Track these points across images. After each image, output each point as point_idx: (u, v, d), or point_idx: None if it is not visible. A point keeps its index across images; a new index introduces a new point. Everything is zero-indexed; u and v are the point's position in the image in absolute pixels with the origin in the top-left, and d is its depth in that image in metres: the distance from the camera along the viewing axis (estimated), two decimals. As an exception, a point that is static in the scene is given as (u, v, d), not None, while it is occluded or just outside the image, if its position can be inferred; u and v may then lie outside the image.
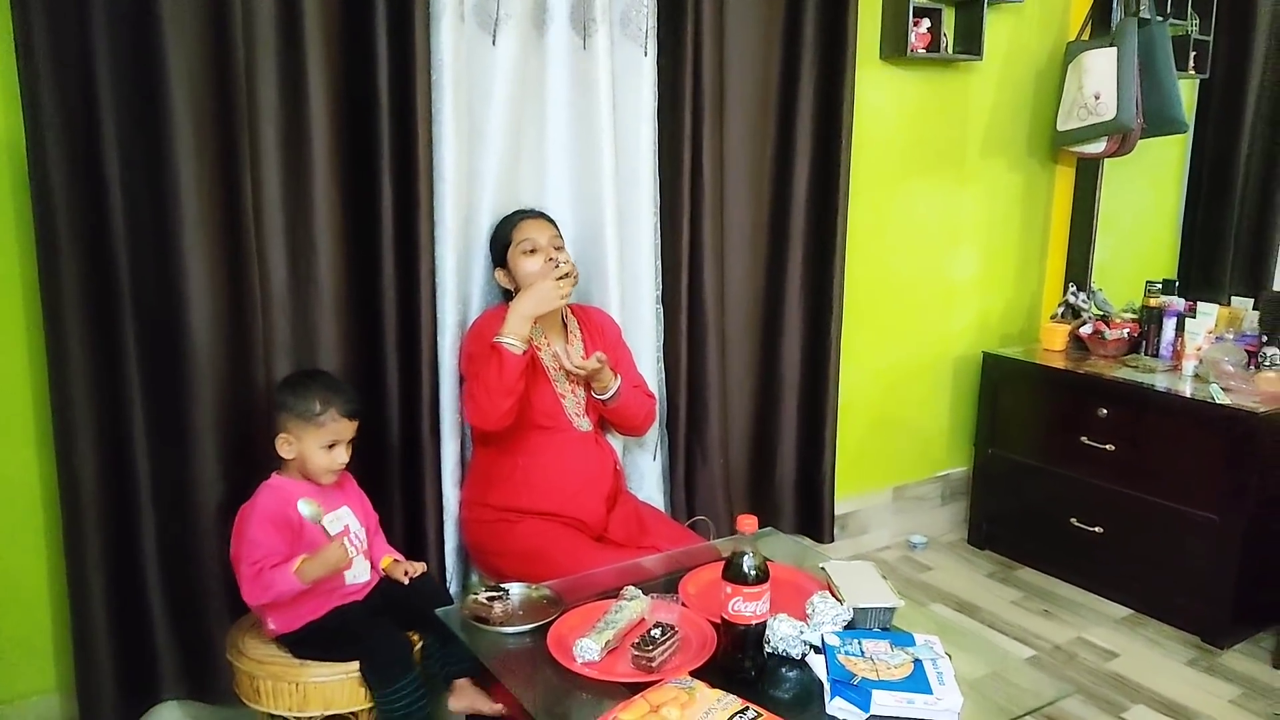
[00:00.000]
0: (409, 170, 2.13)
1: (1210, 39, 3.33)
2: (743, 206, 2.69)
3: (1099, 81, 3.07)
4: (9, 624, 2.04)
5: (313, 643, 1.87)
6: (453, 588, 2.32)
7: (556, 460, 2.19)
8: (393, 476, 2.23)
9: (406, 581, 1.97)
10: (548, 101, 2.33)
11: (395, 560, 2.02)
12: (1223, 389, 2.76)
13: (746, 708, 1.47)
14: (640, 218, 2.46)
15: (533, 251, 2.18)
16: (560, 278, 2.10)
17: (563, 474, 2.19)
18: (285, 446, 1.89)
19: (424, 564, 2.03)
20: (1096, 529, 3.00)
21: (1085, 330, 3.21)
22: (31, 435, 2.00)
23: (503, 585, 1.87)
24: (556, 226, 2.26)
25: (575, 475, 2.20)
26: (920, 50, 2.95)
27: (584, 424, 2.26)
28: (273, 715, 1.90)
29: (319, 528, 1.85)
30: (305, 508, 1.82)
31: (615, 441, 2.44)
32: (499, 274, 2.25)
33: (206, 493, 2.02)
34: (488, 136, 2.23)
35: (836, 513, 2.98)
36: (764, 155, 2.71)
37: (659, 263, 2.52)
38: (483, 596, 1.83)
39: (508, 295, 2.27)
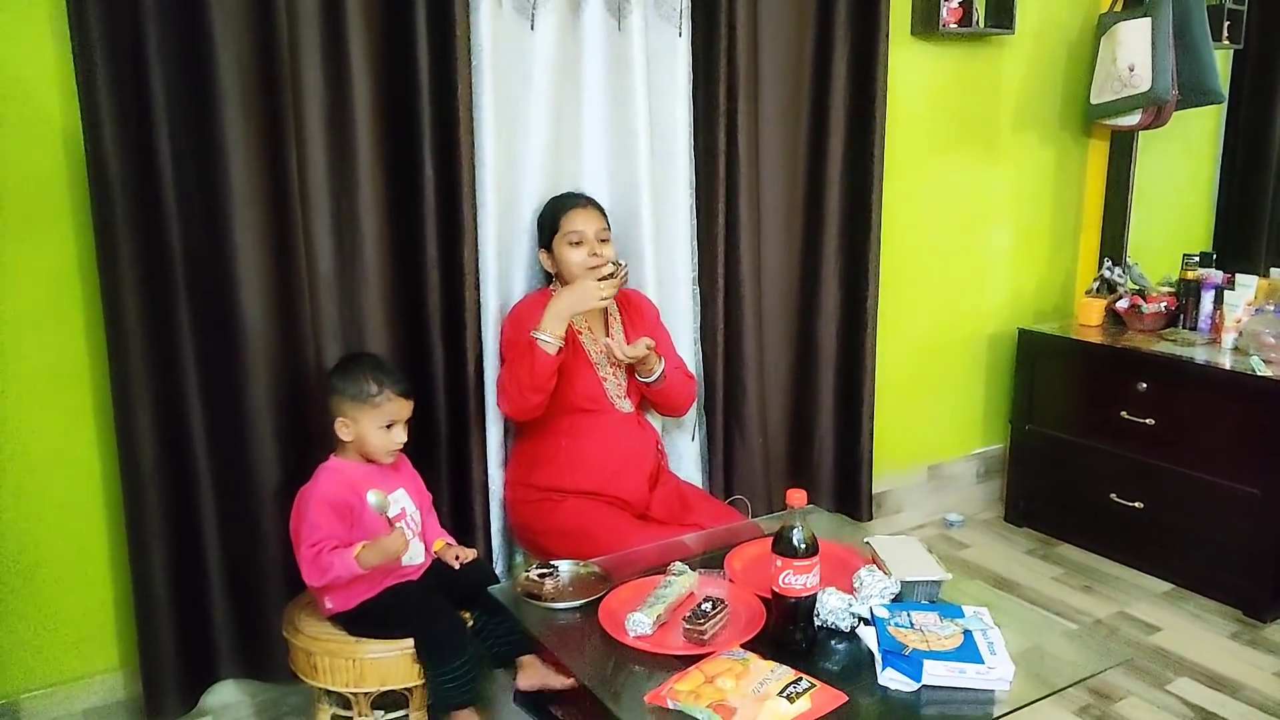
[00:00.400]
0: (451, 155, 2.15)
1: (1244, 8, 3.29)
2: (778, 185, 2.69)
3: (1133, 53, 3.04)
4: (73, 605, 2.09)
5: (368, 621, 1.91)
6: (498, 567, 2.36)
7: (600, 442, 2.21)
8: (439, 458, 2.26)
9: (457, 567, 2.00)
10: (584, 84, 2.34)
11: (448, 544, 2.05)
12: (1264, 361, 2.74)
13: (800, 678, 1.49)
14: (676, 198, 2.47)
15: (578, 244, 2.18)
16: (604, 278, 2.09)
17: (606, 454, 2.21)
18: (344, 429, 1.92)
19: (475, 550, 2.06)
20: (1137, 504, 2.98)
21: (1122, 304, 3.20)
22: (92, 418, 2.05)
23: (553, 562, 1.90)
24: (605, 215, 2.26)
25: (618, 455, 2.23)
26: (952, 25, 2.93)
27: (626, 405, 2.28)
28: (328, 691, 1.94)
29: (382, 516, 1.88)
30: (373, 498, 1.85)
31: (654, 422, 2.45)
32: (543, 256, 2.26)
33: (263, 473, 2.06)
34: (528, 120, 2.25)
35: (874, 491, 2.99)
36: (798, 133, 2.72)
37: (695, 243, 2.54)
38: (534, 573, 1.86)
39: (549, 278, 2.29)
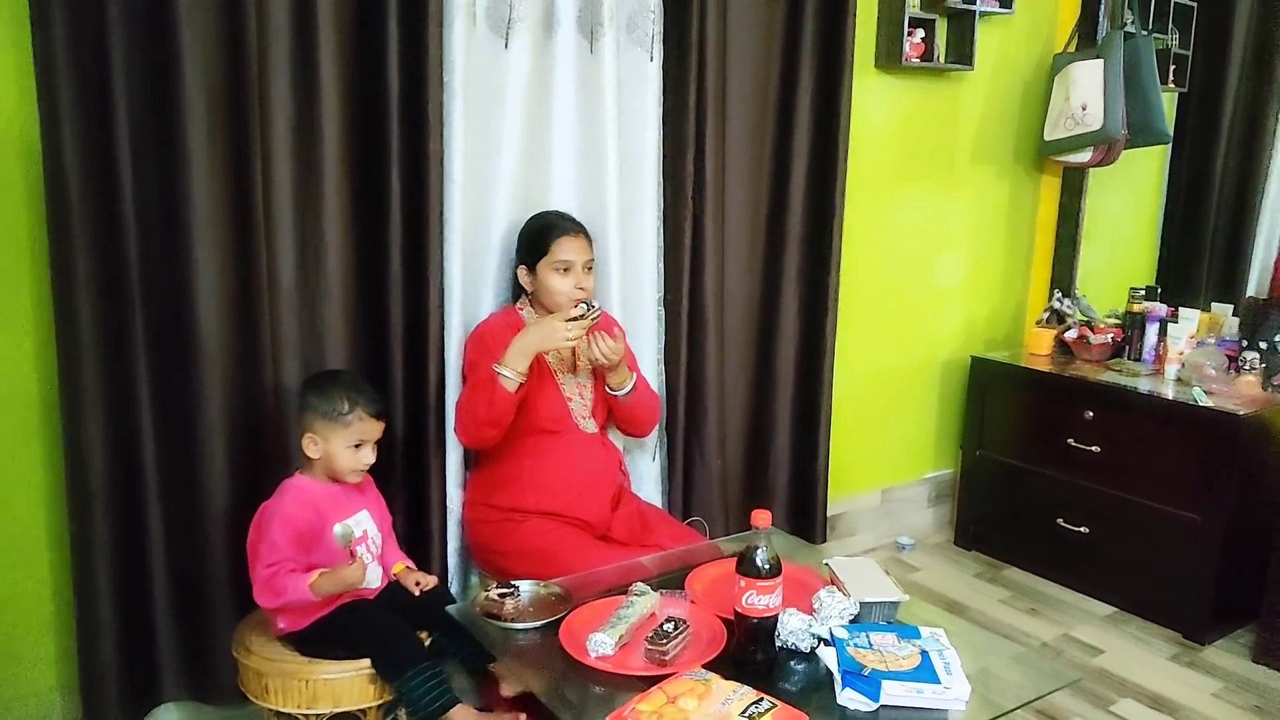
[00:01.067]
0: (419, 170, 2.14)
1: (1190, 53, 3.42)
2: (742, 209, 2.73)
3: (1086, 92, 3.14)
4: (11, 621, 2.02)
5: (322, 640, 1.88)
6: (453, 587, 2.33)
7: (563, 462, 2.20)
8: (397, 476, 2.24)
9: (417, 593, 1.97)
10: (555, 104, 2.35)
11: (408, 568, 2.03)
12: (1205, 392, 2.83)
13: (761, 698, 1.50)
14: (644, 220, 2.49)
15: (566, 271, 2.18)
16: (574, 318, 2.07)
17: (569, 475, 2.20)
18: (312, 446, 1.89)
19: (435, 577, 2.04)
20: (1082, 529, 3.06)
21: (1070, 335, 3.28)
22: (38, 430, 1.99)
23: (513, 582, 1.89)
24: (592, 244, 2.25)
25: (581, 476, 2.22)
26: (914, 60, 3.01)
27: (590, 426, 2.27)
28: (279, 713, 1.90)
29: (345, 548, 1.85)
30: (339, 529, 1.84)
31: (616, 442, 2.46)
32: (522, 272, 2.24)
33: (215, 490, 2.02)
34: (499, 137, 2.26)
35: (829, 514, 3.02)
36: (763, 159, 2.76)
37: (662, 264, 2.56)
38: (494, 593, 1.85)
39: (517, 295, 2.29)
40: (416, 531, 2.27)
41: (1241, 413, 2.70)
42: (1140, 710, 2.48)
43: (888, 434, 3.39)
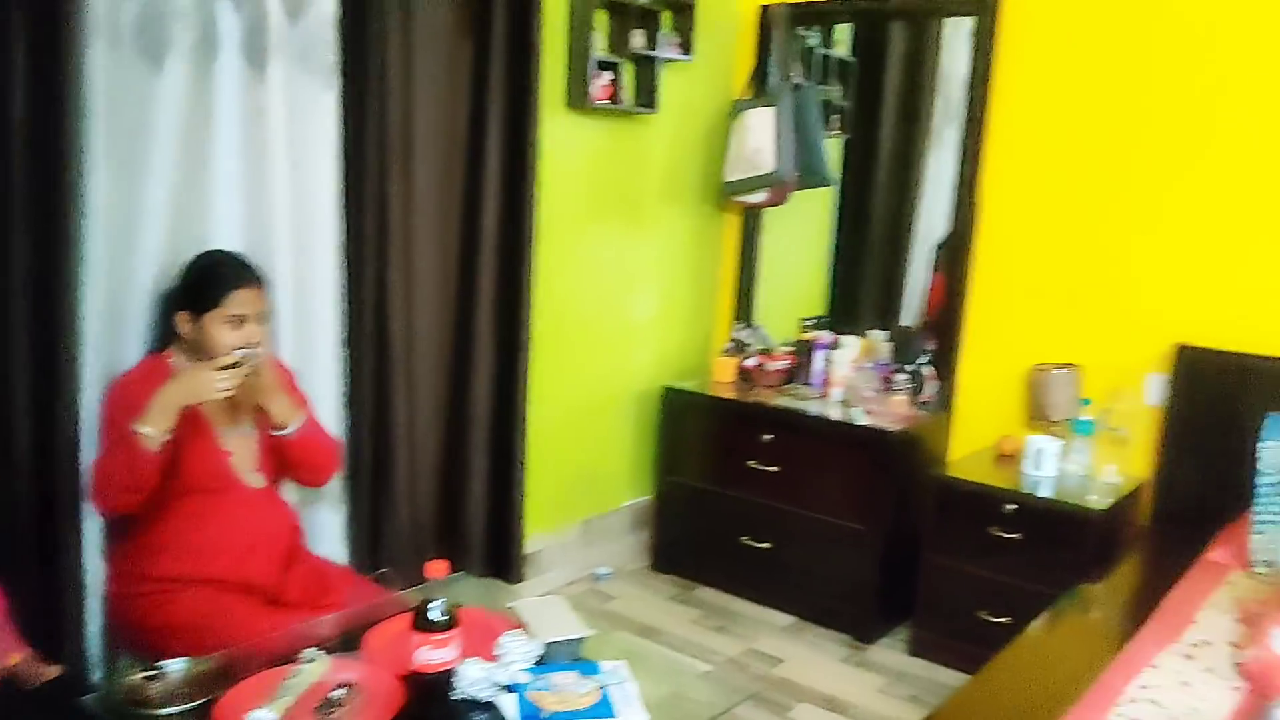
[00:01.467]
0: (51, 204, 1.90)
1: (849, 105, 3.79)
2: (432, 246, 2.68)
3: (759, 137, 3.39)
4: None
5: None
6: (97, 675, 2.08)
7: (225, 523, 2.03)
8: (24, 551, 1.96)
9: (31, 686, 1.70)
10: (218, 136, 2.18)
11: (23, 660, 1.73)
12: (865, 412, 3.14)
13: (433, 760, 1.46)
14: (320, 257, 2.38)
15: (239, 324, 1.99)
16: (228, 366, 1.92)
17: (231, 536, 2.04)
18: None
19: (57, 668, 1.77)
20: (765, 545, 3.28)
21: (750, 363, 3.52)
22: None
23: (159, 662, 1.70)
24: (266, 290, 2.08)
25: (245, 536, 2.06)
26: (603, 101, 3.11)
27: (256, 480, 2.12)
28: None
29: None
30: None
31: (291, 496, 2.30)
32: (183, 318, 2.02)
33: None
34: (150, 170, 2.06)
35: (526, 551, 3.03)
36: (453, 195, 2.73)
37: (346, 305, 2.45)
38: (137, 677, 1.65)
39: (166, 341, 2.08)
40: (48, 613, 1.98)
41: (894, 429, 3.02)
42: (815, 713, 2.68)
43: (586, 466, 3.45)
